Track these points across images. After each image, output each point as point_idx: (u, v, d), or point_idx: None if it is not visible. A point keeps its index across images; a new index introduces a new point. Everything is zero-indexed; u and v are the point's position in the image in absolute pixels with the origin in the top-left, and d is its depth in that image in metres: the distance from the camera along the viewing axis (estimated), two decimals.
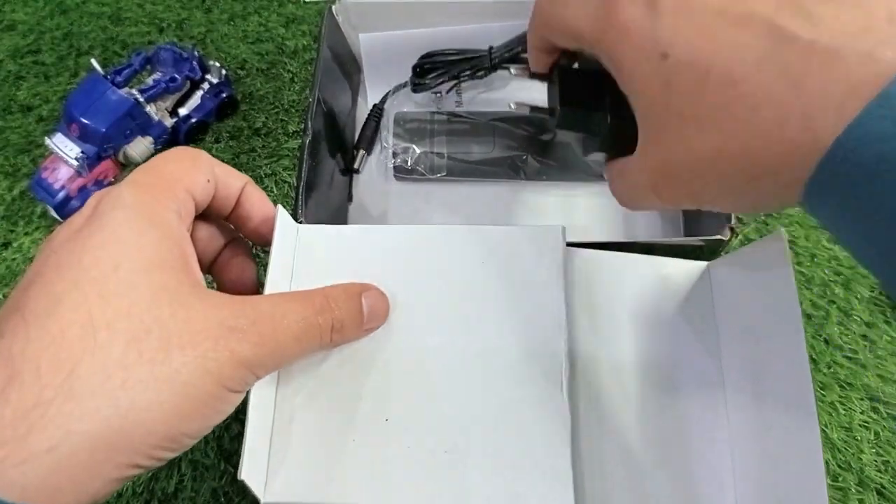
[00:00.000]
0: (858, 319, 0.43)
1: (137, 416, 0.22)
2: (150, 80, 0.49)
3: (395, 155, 0.49)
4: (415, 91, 0.49)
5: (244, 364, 0.24)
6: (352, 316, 0.29)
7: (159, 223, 0.25)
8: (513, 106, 0.35)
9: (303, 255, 0.32)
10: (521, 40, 0.46)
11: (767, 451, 0.30)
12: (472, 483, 0.28)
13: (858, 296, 0.44)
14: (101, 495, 0.22)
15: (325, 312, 0.27)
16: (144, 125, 0.49)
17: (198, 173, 0.28)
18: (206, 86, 0.51)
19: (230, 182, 0.30)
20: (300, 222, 0.37)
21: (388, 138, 0.49)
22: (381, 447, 0.29)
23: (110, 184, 0.49)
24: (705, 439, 0.32)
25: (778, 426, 0.29)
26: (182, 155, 0.28)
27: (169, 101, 0.50)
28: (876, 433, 0.40)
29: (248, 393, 0.27)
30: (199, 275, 0.26)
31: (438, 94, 0.52)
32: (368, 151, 0.50)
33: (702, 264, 0.36)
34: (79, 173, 0.47)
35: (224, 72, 0.52)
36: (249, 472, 0.26)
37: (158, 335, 0.23)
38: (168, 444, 0.23)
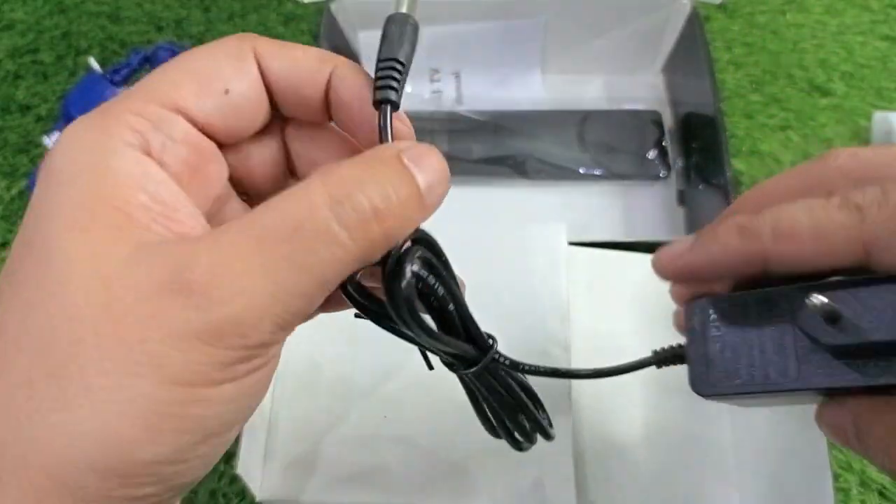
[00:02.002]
0: None
1: (60, 452, 0.16)
2: None
3: None
4: None
5: (204, 338, 0.16)
6: (399, 190, 0.17)
7: (93, 175, 0.17)
8: None
9: None
10: None
11: (772, 450, 0.30)
12: (471, 481, 0.28)
13: None
14: None
15: (341, 201, 0.16)
16: None
17: (197, 82, 0.19)
18: None
19: (299, 73, 0.20)
20: None
21: None
22: (379, 445, 0.29)
23: None
24: (709, 438, 0.32)
25: (782, 425, 0.29)
26: (200, 55, 0.20)
27: None
28: None
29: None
30: (160, 224, 0.18)
31: (438, 94, 0.51)
32: None
33: None
34: None
35: None
36: (246, 467, 0.26)
37: (67, 334, 0.16)
38: (137, 480, 0.16)
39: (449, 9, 0.48)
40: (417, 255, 0.18)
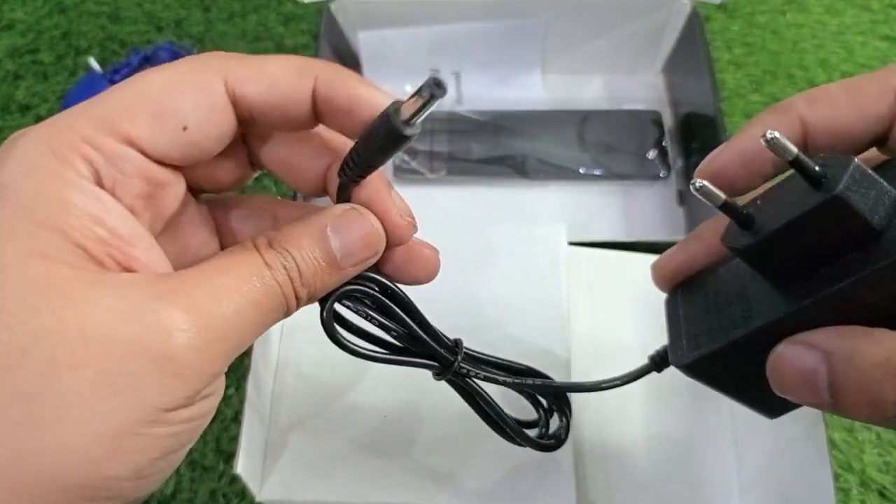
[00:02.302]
0: None
1: (31, 472, 0.16)
2: None
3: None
4: None
5: (172, 371, 0.17)
6: (314, 262, 0.20)
7: (51, 207, 0.17)
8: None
9: None
10: None
11: (772, 450, 0.30)
12: (472, 481, 0.28)
13: None
14: None
15: (277, 264, 0.19)
16: None
17: (151, 117, 0.19)
18: None
19: (279, 94, 0.20)
20: None
21: None
22: (379, 444, 0.29)
23: None
24: (709, 439, 0.32)
25: (783, 424, 0.29)
26: (152, 79, 0.19)
27: None
28: (877, 434, 0.39)
29: (243, 392, 0.26)
30: (115, 260, 0.18)
31: None
32: None
33: None
34: None
35: None
36: (245, 467, 0.26)
37: (37, 356, 0.16)
38: (100, 496, 0.17)
39: (449, 9, 0.48)
40: (344, 297, 0.22)
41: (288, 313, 0.20)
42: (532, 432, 0.26)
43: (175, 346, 0.17)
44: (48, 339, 0.16)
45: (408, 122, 0.18)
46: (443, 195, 0.48)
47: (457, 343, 0.25)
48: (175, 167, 0.20)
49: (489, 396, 0.25)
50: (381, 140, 0.19)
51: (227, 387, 0.42)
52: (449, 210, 0.48)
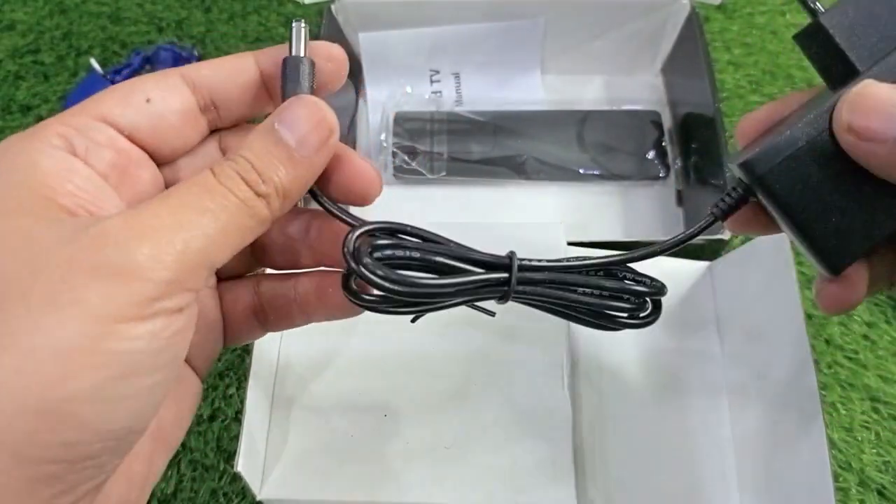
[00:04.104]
0: (859, 319, 0.43)
1: None
2: None
3: (394, 155, 0.49)
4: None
5: (120, 273, 0.17)
6: (268, 156, 0.20)
7: (20, 170, 0.19)
8: None
9: None
10: None
11: (771, 450, 0.30)
12: (472, 479, 0.28)
13: None
14: None
15: (225, 170, 0.20)
16: None
17: (120, 95, 0.21)
18: None
19: (224, 71, 0.22)
20: None
21: (388, 138, 0.49)
22: (380, 443, 0.29)
23: None
24: (708, 439, 0.32)
25: (782, 424, 0.29)
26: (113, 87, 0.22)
27: None
28: (877, 433, 0.39)
29: (243, 390, 0.26)
30: (85, 211, 0.20)
31: (438, 94, 0.52)
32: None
33: (703, 264, 0.36)
34: None
35: None
36: (246, 466, 0.26)
37: None
38: (58, 422, 0.17)
39: (449, 10, 0.48)
40: (364, 244, 0.21)
41: (262, 219, 0.20)
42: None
43: (110, 253, 0.17)
44: (3, 276, 0.17)
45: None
46: (443, 195, 0.48)
47: (510, 258, 0.23)
48: (156, 158, 0.22)
49: (568, 296, 0.23)
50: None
51: (227, 386, 0.42)
52: (448, 210, 0.48)
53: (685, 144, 0.49)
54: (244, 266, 0.26)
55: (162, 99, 0.22)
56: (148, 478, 0.22)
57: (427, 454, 0.29)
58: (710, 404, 0.33)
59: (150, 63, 0.51)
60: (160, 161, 0.23)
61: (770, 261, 0.31)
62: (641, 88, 0.52)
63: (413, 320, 0.25)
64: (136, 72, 0.50)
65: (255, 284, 0.25)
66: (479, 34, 0.49)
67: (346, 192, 0.23)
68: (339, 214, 0.23)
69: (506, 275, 0.23)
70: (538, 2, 0.48)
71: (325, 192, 0.23)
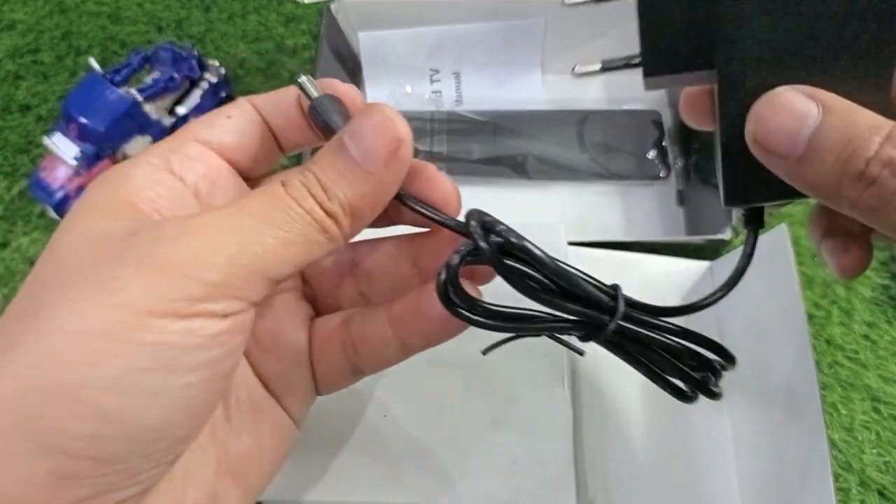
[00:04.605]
0: (860, 319, 0.43)
1: (18, 385, 0.16)
2: (148, 80, 0.49)
3: None
4: None
5: (166, 268, 0.17)
6: (334, 171, 0.19)
7: (113, 180, 0.20)
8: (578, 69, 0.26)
9: None
10: None
11: (772, 449, 0.30)
12: (472, 480, 0.28)
13: (860, 296, 0.44)
14: None
15: (292, 181, 0.19)
16: (143, 124, 0.48)
17: (205, 119, 0.23)
18: (204, 85, 0.51)
19: (274, 109, 0.23)
20: None
21: None
22: (380, 443, 0.29)
23: None
24: (709, 439, 0.32)
25: (783, 424, 0.29)
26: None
27: (168, 101, 0.50)
28: (877, 433, 0.39)
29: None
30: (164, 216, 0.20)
31: (438, 94, 0.51)
32: None
33: (704, 263, 0.36)
34: (77, 173, 0.47)
35: (223, 71, 0.52)
36: None
37: (44, 276, 0.18)
38: (81, 409, 0.16)
39: (449, 9, 0.48)
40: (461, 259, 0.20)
41: (330, 234, 0.19)
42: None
43: (160, 248, 0.17)
44: (60, 264, 0.18)
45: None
46: None
47: (615, 290, 0.22)
48: (235, 166, 0.23)
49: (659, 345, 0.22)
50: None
51: None
52: None
53: (686, 144, 0.48)
54: (341, 300, 0.25)
55: (240, 116, 0.22)
56: None
57: (427, 454, 0.29)
58: (710, 404, 0.33)
59: (149, 63, 0.51)
60: (247, 177, 0.23)
61: (771, 261, 0.31)
62: (642, 88, 0.52)
63: (484, 352, 0.24)
64: (135, 71, 0.50)
65: (346, 317, 0.24)
66: (480, 34, 0.49)
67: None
68: (434, 216, 0.22)
69: (606, 318, 0.21)
70: (538, 1, 0.48)
71: (398, 215, 0.23)
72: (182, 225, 0.18)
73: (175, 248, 0.17)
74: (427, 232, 0.24)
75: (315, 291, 0.26)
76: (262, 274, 0.18)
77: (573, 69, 0.26)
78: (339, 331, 0.24)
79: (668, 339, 0.22)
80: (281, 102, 0.23)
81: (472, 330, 0.31)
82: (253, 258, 0.18)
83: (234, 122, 0.22)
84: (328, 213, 0.19)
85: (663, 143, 0.49)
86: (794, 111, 0.18)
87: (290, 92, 0.23)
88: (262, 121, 0.23)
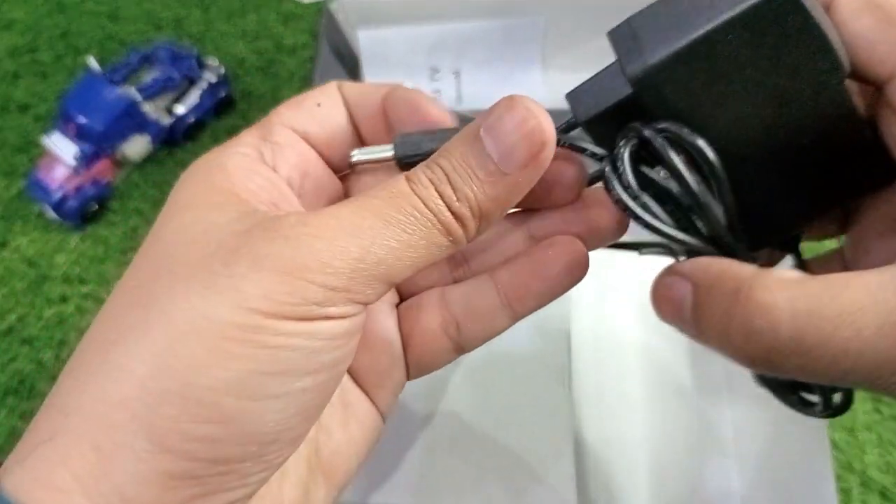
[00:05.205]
0: None
1: (131, 379, 0.16)
2: (147, 79, 0.49)
3: None
4: None
5: (285, 269, 0.16)
6: (467, 170, 0.18)
7: (208, 170, 0.20)
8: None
9: None
10: None
11: (773, 450, 0.30)
12: (472, 479, 0.28)
13: None
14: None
15: (420, 177, 0.18)
16: (142, 124, 0.48)
17: (294, 103, 0.22)
18: (203, 84, 0.51)
19: (361, 101, 0.22)
20: None
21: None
22: (380, 444, 0.29)
23: (108, 183, 0.48)
24: (709, 439, 0.32)
25: (784, 425, 0.29)
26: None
27: (166, 100, 0.50)
28: (879, 434, 0.39)
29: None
30: (266, 207, 0.19)
31: (438, 92, 0.51)
32: None
33: None
34: (76, 172, 0.47)
35: (222, 70, 0.52)
36: None
37: (152, 263, 0.18)
38: (199, 410, 0.16)
39: (449, 7, 0.47)
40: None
41: (454, 237, 0.18)
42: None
43: (279, 247, 0.16)
44: (170, 255, 0.17)
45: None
46: None
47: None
48: (323, 155, 0.22)
49: None
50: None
51: None
52: None
53: None
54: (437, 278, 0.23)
55: (329, 105, 0.22)
56: None
57: (427, 455, 0.29)
58: (711, 403, 0.33)
59: (148, 62, 0.51)
60: (336, 170, 0.23)
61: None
62: None
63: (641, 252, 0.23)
64: (134, 71, 0.50)
65: (440, 296, 0.23)
66: (480, 32, 0.49)
67: (540, 197, 0.21)
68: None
69: None
70: (539, 0, 0.48)
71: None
72: (300, 224, 0.17)
73: (295, 248, 0.16)
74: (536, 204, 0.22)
75: None
76: (383, 278, 0.17)
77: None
78: (438, 310, 0.23)
79: None
80: (369, 95, 0.22)
81: None
82: (376, 262, 0.17)
83: (324, 112, 0.22)
84: (455, 216, 0.18)
85: None
86: (672, 298, 0.19)
87: (379, 87, 0.22)
88: (347, 112, 0.22)
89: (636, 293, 0.35)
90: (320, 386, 0.18)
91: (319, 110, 0.22)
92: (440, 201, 0.18)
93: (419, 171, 0.18)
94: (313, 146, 0.22)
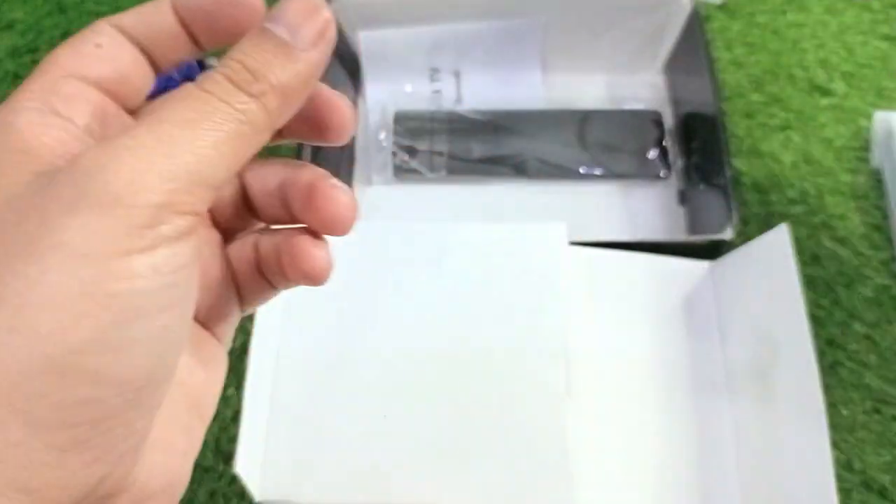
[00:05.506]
0: (861, 320, 0.43)
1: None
2: None
3: (394, 154, 0.49)
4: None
5: (99, 203, 0.16)
6: (261, 52, 0.18)
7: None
8: None
9: None
10: None
11: (774, 450, 0.30)
12: (471, 479, 0.28)
13: (861, 296, 0.43)
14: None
15: (211, 75, 0.18)
16: None
17: (71, 49, 0.21)
18: None
19: (146, 26, 0.21)
20: None
21: (387, 137, 0.49)
22: (380, 444, 0.29)
23: None
24: (709, 439, 0.32)
25: (784, 425, 0.29)
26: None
27: None
28: (878, 434, 0.39)
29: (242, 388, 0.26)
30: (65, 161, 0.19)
31: (438, 93, 0.51)
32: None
33: (705, 264, 0.36)
34: None
35: None
36: (244, 467, 0.26)
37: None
38: (68, 378, 0.16)
39: (449, 8, 0.47)
40: None
41: (259, 124, 0.18)
42: None
43: (85, 186, 0.16)
44: None
45: None
46: (443, 195, 0.48)
47: None
48: (117, 100, 0.21)
49: None
50: None
51: (226, 387, 0.42)
52: (449, 210, 0.48)
53: (687, 144, 0.48)
54: (244, 222, 0.24)
55: (109, 43, 0.21)
56: (189, 449, 0.22)
57: (427, 455, 0.29)
58: (710, 403, 0.33)
59: None
60: (130, 111, 0.22)
61: (772, 261, 0.31)
62: (643, 87, 0.52)
63: None
64: None
65: (256, 240, 0.24)
66: (480, 33, 0.49)
67: (319, 126, 0.22)
68: None
69: None
70: (539, 1, 0.48)
71: (295, 130, 0.22)
72: (98, 155, 0.16)
73: (101, 179, 0.16)
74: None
75: (217, 219, 0.24)
76: (200, 181, 0.17)
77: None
78: (250, 251, 0.23)
79: None
80: (152, 16, 0.21)
81: (473, 329, 0.31)
82: (187, 168, 0.17)
83: (106, 51, 0.20)
84: (254, 96, 0.18)
85: (664, 143, 0.49)
86: None
87: (162, 4, 0.21)
88: (131, 44, 0.21)
89: (635, 293, 0.35)
90: (178, 320, 0.18)
91: (102, 52, 0.20)
92: (235, 89, 0.18)
93: (210, 73, 0.18)
94: (105, 90, 0.21)
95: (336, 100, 0.22)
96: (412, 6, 0.47)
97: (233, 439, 0.39)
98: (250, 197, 0.24)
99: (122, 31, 0.21)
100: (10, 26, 0.60)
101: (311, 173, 0.22)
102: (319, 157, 0.43)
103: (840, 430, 0.39)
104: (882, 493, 0.38)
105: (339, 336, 0.31)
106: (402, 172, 0.48)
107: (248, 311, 0.25)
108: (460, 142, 0.49)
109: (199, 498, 0.38)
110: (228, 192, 0.24)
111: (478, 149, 0.49)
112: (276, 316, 0.30)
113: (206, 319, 0.23)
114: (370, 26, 0.49)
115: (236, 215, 0.24)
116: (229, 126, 0.18)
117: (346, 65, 0.50)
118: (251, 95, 0.18)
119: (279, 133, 0.22)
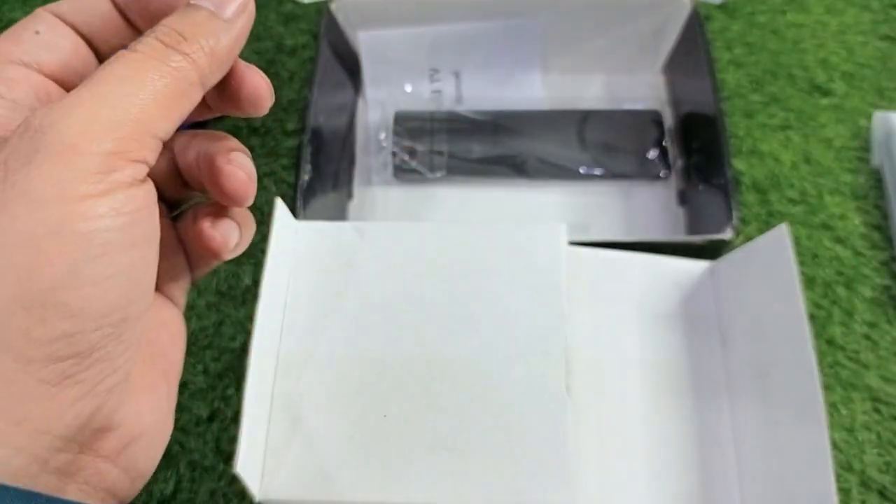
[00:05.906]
0: (861, 320, 0.43)
1: None
2: None
3: (394, 154, 0.49)
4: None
5: (55, 152, 0.17)
6: (190, 19, 0.20)
7: None
8: None
9: (301, 253, 0.32)
10: None
11: (774, 451, 0.30)
12: (471, 481, 0.28)
13: (861, 296, 0.43)
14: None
15: (145, 39, 0.20)
16: None
17: (12, 37, 0.22)
18: None
19: (83, 15, 0.22)
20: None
21: (387, 138, 0.49)
22: (380, 444, 0.29)
23: None
24: (709, 439, 0.32)
25: (784, 425, 0.29)
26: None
27: None
28: (878, 434, 0.39)
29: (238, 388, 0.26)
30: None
31: (438, 93, 0.51)
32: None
33: (704, 264, 0.36)
34: None
35: None
36: (244, 467, 0.26)
37: None
38: (46, 313, 0.17)
39: (449, 8, 0.47)
40: None
41: (191, 78, 0.19)
42: None
43: (40, 140, 0.17)
44: None
45: None
46: (442, 195, 0.48)
47: None
48: (59, 83, 0.22)
49: None
50: None
51: (226, 387, 0.42)
52: (448, 210, 0.48)
53: (687, 144, 0.48)
54: (182, 193, 0.26)
55: (48, 30, 0.22)
56: (168, 396, 0.23)
57: (427, 454, 0.29)
58: (710, 404, 0.33)
59: None
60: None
61: (772, 261, 0.31)
62: (642, 87, 0.52)
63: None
64: None
65: (195, 211, 0.25)
66: (480, 33, 0.49)
67: (237, 98, 0.23)
68: None
69: None
70: (539, 1, 0.48)
71: (215, 104, 0.23)
72: (47, 113, 0.18)
73: (55, 133, 0.17)
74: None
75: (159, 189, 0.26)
76: (145, 131, 0.19)
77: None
78: (192, 223, 0.25)
79: None
80: (88, 3, 0.22)
81: (472, 329, 0.31)
82: (130, 118, 0.18)
83: (45, 38, 0.22)
84: (186, 54, 0.19)
85: (664, 143, 0.49)
86: None
87: None
88: (71, 30, 0.22)
89: (635, 293, 0.35)
90: (143, 259, 0.19)
91: (41, 38, 0.22)
92: (165, 48, 0.19)
93: (142, 37, 0.19)
94: (48, 74, 0.22)
95: (251, 73, 0.23)
96: (412, 6, 0.47)
97: (233, 439, 0.39)
98: (180, 169, 0.24)
99: (61, 17, 0.22)
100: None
101: (218, 147, 0.23)
102: (319, 156, 0.43)
103: (840, 430, 0.39)
104: (882, 493, 0.38)
105: (338, 335, 0.31)
106: (402, 172, 0.48)
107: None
108: (460, 142, 0.49)
109: (199, 498, 0.38)
110: (162, 164, 0.24)
111: (478, 149, 0.49)
112: (276, 316, 0.30)
113: (161, 283, 0.24)
114: (370, 26, 0.49)
115: (173, 187, 0.25)
116: (164, 81, 0.19)
117: (346, 65, 0.50)
118: (183, 54, 0.19)
119: (207, 107, 0.23)
